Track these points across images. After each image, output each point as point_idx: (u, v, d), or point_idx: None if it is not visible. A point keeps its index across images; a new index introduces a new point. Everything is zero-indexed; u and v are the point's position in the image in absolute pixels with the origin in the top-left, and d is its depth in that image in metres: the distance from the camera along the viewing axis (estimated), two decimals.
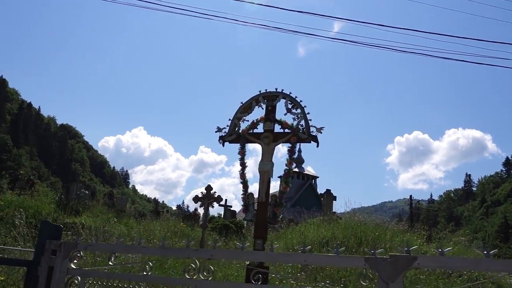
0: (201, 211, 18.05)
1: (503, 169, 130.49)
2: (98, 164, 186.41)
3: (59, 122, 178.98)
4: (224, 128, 11.96)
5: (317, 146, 11.28)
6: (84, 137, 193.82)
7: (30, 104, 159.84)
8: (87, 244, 3.78)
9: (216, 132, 12.07)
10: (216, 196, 18.12)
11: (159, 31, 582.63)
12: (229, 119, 11.96)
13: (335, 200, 28.22)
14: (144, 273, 3.55)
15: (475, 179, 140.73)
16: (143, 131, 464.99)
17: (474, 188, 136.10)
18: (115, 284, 3.60)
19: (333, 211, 25.46)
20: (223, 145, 12.02)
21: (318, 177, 62.59)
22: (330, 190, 28.24)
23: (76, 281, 3.73)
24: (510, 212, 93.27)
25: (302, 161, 57.75)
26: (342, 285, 11.69)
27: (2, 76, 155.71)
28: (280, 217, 12.03)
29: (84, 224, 18.54)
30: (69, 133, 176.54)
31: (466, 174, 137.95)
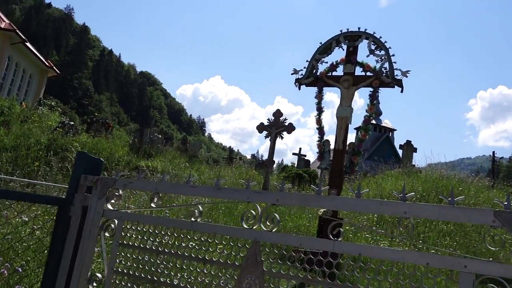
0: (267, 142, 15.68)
1: None
2: (176, 111, 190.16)
3: (138, 69, 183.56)
4: (301, 70, 11.18)
5: (401, 91, 10.37)
6: (162, 85, 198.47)
7: (111, 51, 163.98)
8: (127, 181, 3.09)
9: (292, 74, 11.29)
10: (286, 123, 14.90)
11: None
12: (307, 61, 11.17)
13: (415, 152, 26.99)
14: (192, 219, 2.82)
15: None
16: (221, 80, 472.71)
17: None
18: (156, 231, 2.95)
19: (413, 163, 24.26)
20: (299, 88, 11.27)
21: (395, 130, 60.53)
22: (410, 141, 26.97)
23: (112, 225, 3.03)
24: None
25: (380, 113, 55.84)
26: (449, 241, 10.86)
27: (84, 23, 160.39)
28: (358, 166, 11.28)
29: (157, 167, 18.38)
30: (148, 80, 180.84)
31: None
